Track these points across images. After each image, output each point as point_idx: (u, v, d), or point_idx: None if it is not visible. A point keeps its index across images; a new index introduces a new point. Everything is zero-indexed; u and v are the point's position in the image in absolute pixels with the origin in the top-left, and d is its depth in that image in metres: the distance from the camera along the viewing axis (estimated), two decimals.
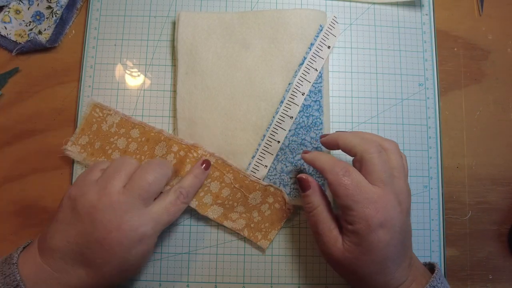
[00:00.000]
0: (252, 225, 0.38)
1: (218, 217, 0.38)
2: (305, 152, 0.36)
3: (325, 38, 0.40)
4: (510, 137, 0.43)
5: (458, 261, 0.41)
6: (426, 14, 0.44)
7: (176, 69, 0.41)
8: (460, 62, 0.44)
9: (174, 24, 0.43)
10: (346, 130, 0.41)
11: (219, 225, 0.40)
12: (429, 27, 0.43)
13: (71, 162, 0.41)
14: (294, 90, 0.39)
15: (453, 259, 0.41)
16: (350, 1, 0.43)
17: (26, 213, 0.40)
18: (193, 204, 0.38)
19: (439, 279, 0.31)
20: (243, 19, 0.41)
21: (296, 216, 0.40)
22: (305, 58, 0.40)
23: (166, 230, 0.39)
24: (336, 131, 0.36)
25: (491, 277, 0.40)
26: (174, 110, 0.40)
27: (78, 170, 0.40)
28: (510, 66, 0.44)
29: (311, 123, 0.39)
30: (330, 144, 0.35)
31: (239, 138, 0.39)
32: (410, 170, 0.41)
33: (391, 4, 0.44)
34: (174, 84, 0.41)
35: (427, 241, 0.40)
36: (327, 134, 0.36)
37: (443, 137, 0.42)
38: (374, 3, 0.43)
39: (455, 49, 0.44)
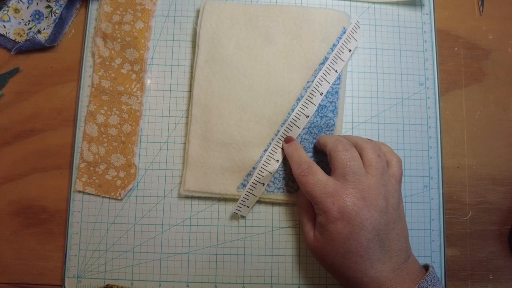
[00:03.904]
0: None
1: None
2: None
3: (347, 41, 0.40)
4: (510, 136, 0.43)
5: (458, 261, 0.41)
6: (427, 14, 0.44)
7: (196, 56, 0.41)
8: (460, 62, 0.43)
9: (173, 23, 0.43)
10: (350, 134, 0.41)
11: (219, 225, 0.40)
12: (429, 26, 0.43)
13: (70, 162, 0.40)
14: (313, 89, 0.39)
15: (453, 259, 0.41)
16: (350, 1, 0.43)
17: (26, 213, 0.40)
18: None
19: (431, 281, 0.31)
20: (268, 12, 0.41)
21: (296, 216, 0.40)
22: (326, 58, 0.40)
23: (165, 230, 0.39)
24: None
25: (491, 277, 0.40)
26: (190, 94, 0.40)
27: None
28: (511, 65, 0.44)
29: (324, 124, 0.39)
30: (317, 145, 0.38)
31: (252, 131, 0.39)
32: (410, 170, 0.41)
33: (391, 3, 0.43)
34: (192, 68, 0.41)
35: (428, 241, 0.40)
36: None
37: (443, 137, 0.42)
38: (374, 3, 0.43)
39: (456, 48, 0.44)
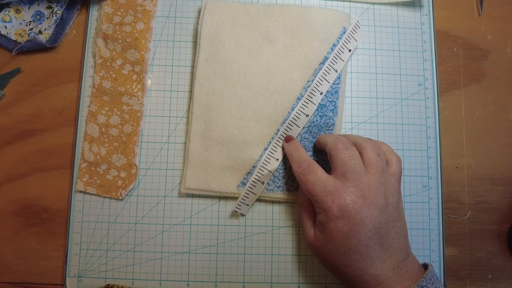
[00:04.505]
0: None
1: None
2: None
3: (347, 41, 0.40)
4: (509, 137, 0.43)
5: (457, 261, 0.41)
6: (426, 14, 0.44)
7: (197, 55, 0.41)
8: (459, 62, 0.44)
9: (174, 23, 0.43)
10: (349, 133, 0.42)
11: (219, 225, 0.40)
12: (428, 27, 0.44)
13: (71, 162, 0.41)
14: (313, 88, 0.39)
15: (452, 258, 0.41)
16: (350, 1, 0.44)
17: (26, 213, 0.40)
18: None
19: (430, 279, 0.31)
20: (269, 12, 0.41)
21: (295, 216, 0.40)
22: (326, 58, 0.40)
23: (166, 230, 0.40)
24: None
25: (490, 276, 0.41)
26: (191, 93, 0.41)
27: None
28: (510, 66, 0.44)
29: (324, 123, 0.39)
30: (317, 144, 0.38)
31: (252, 130, 0.39)
32: (409, 170, 0.41)
33: (391, 4, 0.44)
34: (193, 68, 0.41)
35: (427, 241, 0.40)
36: None
37: (442, 137, 0.42)
38: (373, 3, 0.44)
39: (455, 49, 0.44)
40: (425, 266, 0.34)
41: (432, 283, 0.31)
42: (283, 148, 0.39)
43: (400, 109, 0.42)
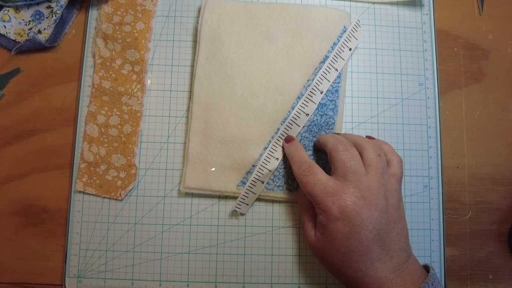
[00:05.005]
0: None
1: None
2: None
3: (347, 40, 0.40)
4: (510, 137, 0.43)
5: (458, 261, 0.41)
6: (426, 14, 0.44)
7: (197, 54, 0.41)
8: (460, 62, 0.44)
9: (174, 23, 0.43)
10: (347, 132, 0.42)
11: (219, 225, 0.40)
12: (429, 26, 0.43)
13: (70, 162, 0.41)
14: (314, 87, 0.39)
15: (453, 258, 0.41)
16: (350, 1, 0.43)
17: (26, 213, 0.40)
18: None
19: (432, 284, 0.31)
20: (269, 10, 0.41)
21: (295, 216, 0.40)
22: (326, 56, 0.40)
23: (166, 230, 0.40)
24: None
25: (491, 277, 0.40)
26: (191, 92, 0.41)
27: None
28: (510, 65, 0.44)
29: (324, 122, 0.39)
30: (317, 144, 0.38)
31: (253, 129, 0.39)
32: (410, 170, 0.41)
33: (391, 3, 0.44)
34: (193, 67, 0.41)
35: (427, 241, 0.40)
36: None
37: (443, 136, 0.42)
38: (374, 3, 0.43)
39: (455, 48, 0.44)
40: (426, 267, 0.33)
41: None
42: (283, 147, 0.39)
43: (400, 109, 0.42)
